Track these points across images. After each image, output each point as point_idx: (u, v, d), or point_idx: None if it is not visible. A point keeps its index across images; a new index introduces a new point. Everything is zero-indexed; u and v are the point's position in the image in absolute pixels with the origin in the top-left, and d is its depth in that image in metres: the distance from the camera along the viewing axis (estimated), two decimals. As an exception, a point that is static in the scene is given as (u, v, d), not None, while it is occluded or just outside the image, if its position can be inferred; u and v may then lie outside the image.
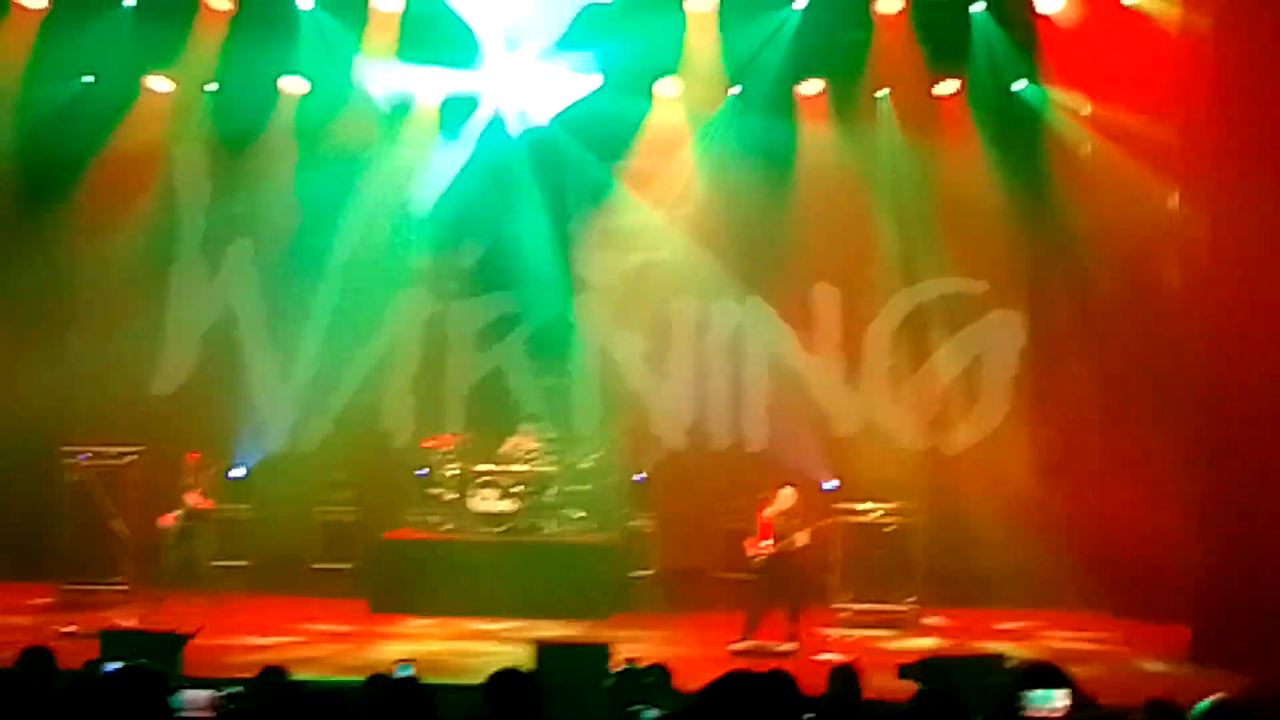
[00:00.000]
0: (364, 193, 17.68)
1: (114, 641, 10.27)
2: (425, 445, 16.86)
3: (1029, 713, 5.71)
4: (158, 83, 17.32)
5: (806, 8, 16.52)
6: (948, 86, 17.10)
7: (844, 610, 15.03)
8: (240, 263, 18.12)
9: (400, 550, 16.02)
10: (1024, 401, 17.22)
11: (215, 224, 18.08)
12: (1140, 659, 13.27)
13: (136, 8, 16.63)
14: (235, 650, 12.73)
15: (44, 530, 15.66)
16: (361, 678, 6.63)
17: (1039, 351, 17.22)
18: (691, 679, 7.09)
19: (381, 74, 17.21)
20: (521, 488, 16.09)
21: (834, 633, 14.45)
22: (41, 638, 8.14)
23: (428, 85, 17.42)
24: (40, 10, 16.46)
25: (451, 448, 16.60)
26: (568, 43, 16.87)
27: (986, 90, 16.93)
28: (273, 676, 7.43)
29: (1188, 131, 14.06)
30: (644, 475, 17.36)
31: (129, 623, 13.66)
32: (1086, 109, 16.21)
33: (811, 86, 17.35)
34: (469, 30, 16.87)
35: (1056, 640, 14.20)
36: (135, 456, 15.76)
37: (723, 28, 16.86)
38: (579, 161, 17.88)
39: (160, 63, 17.10)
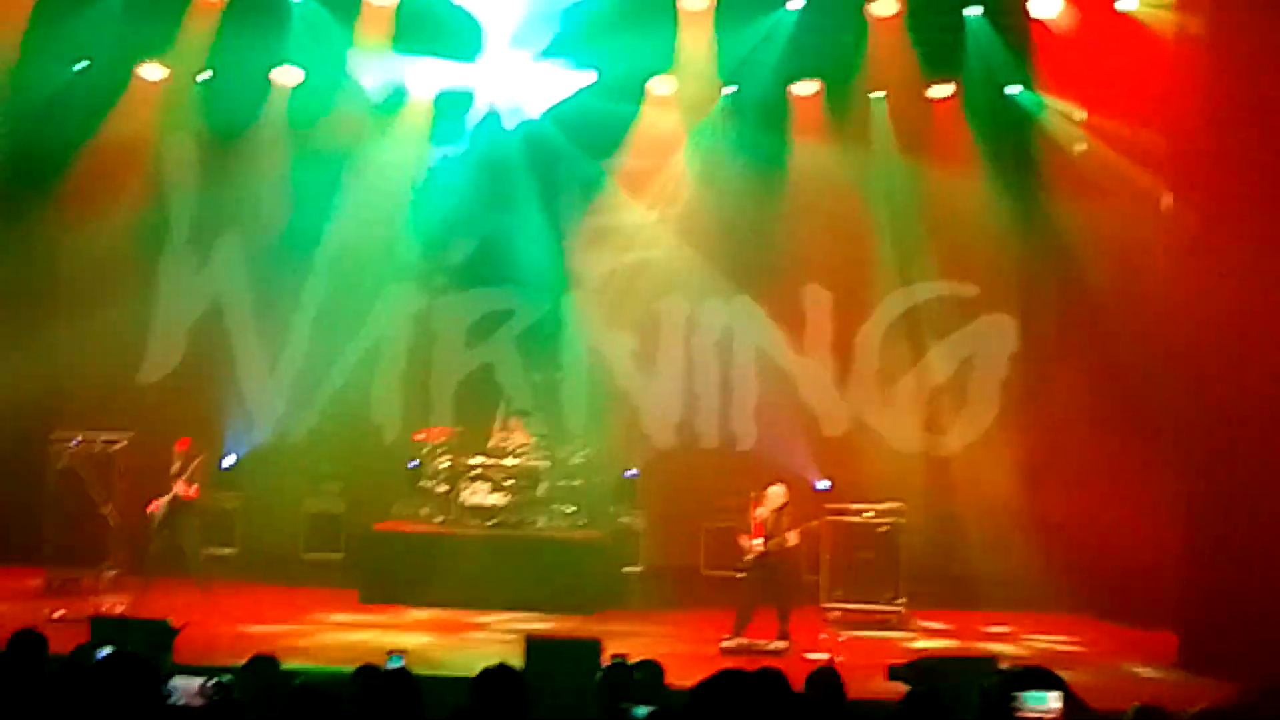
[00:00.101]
0: (354, 186, 17.66)
1: (103, 627, 10.25)
2: (417, 438, 16.84)
3: (1022, 714, 5.73)
4: (149, 71, 17.27)
5: (802, 9, 16.53)
6: (941, 90, 17.12)
7: (833, 610, 15.04)
8: (229, 254, 18.11)
9: (389, 542, 16.01)
10: (1014, 405, 17.26)
11: (205, 214, 18.08)
12: (1128, 664, 13.29)
13: (129, -5, 16.61)
14: (225, 638, 12.71)
15: (33, 516, 15.60)
16: (351, 668, 6.61)
17: (1029, 355, 17.27)
18: (682, 676, 7.09)
19: (374, 66, 17.19)
20: (512, 482, 16.08)
21: (824, 633, 14.44)
22: (30, 623, 8.08)
23: (420, 79, 17.41)
24: (32, -5, 16.42)
25: (443, 441, 16.59)
26: (561, 39, 16.86)
27: (980, 94, 16.95)
28: (262, 665, 7.41)
29: (1180, 137, 14.08)
30: (634, 472, 17.40)
31: (118, 609, 13.65)
32: (1080, 114, 16.24)
33: (805, 88, 17.35)
34: (462, 24, 16.86)
35: (1044, 643, 14.22)
36: (124, 443, 15.73)
37: (717, 27, 16.85)
38: (571, 159, 17.90)
39: (152, 51, 17.06)
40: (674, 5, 16.64)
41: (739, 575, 13.88)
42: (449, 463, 16.33)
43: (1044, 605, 15.44)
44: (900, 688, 7.44)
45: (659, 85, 17.34)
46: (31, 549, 15.51)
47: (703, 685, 4.21)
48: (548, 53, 17.06)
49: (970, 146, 17.05)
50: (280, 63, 17.32)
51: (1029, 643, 14.26)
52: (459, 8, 16.63)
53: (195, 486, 14.95)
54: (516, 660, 9.27)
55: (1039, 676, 6.75)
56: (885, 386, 17.63)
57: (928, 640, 14.39)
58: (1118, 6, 15.13)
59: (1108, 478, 15.28)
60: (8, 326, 16.90)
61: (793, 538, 13.75)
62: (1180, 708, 6.26)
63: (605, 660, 9.08)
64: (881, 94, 17.24)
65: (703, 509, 16.96)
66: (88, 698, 4.57)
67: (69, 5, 16.32)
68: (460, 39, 17.03)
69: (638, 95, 17.43)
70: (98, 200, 17.17)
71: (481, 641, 13.27)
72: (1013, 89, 16.93)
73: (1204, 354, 13.30)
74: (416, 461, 16.76)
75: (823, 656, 12.81)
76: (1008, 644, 14.02)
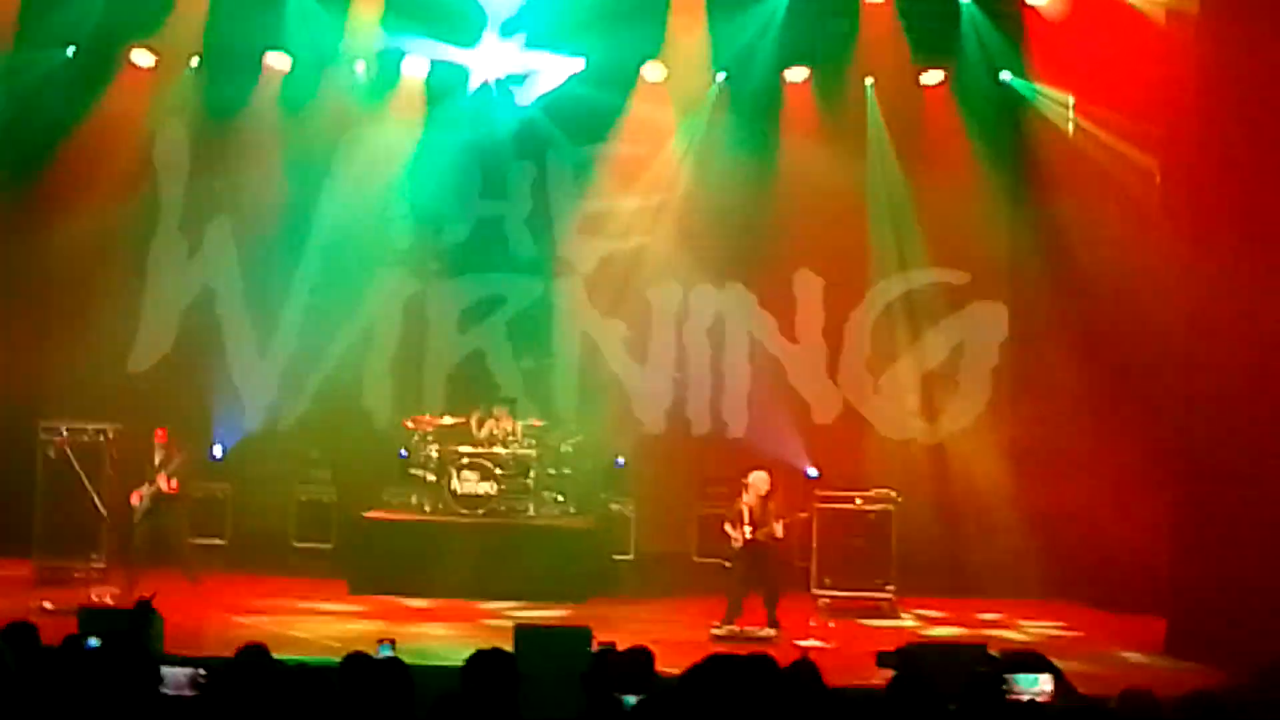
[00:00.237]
0: (346, 171, 17.63)
1: (92, 618, 10.23)
2: (407, 425, 16.80)
3: (1014, 696, 5.75)
4: (140, 56, 17.20)
5: (794, -5, 16.53)
6: (933, 76, 17.11)
7: (823, 597, 15.05)
8: (220, 240, 18.06)
9: (379, 530, 16.00)
10: (1004, 392, 17.27)
11: (195, 200, 18.01)
12: (1116, 650, 13.31)
13: (120, -22, 16.56)
14: (215, 628, 12.72)
15: (22, 506, 15.55)
16: (340, 657, 6.60)
17: (1020, 342, 17.27)
18: (672, 663, 7.10)
19: (366, 51, 17.16)
20: (502, 470, 16.07)
21: (814, 620, 14.46)
22: (18, 614, 8.07)
23: (413, 64, 17.37)
24: (23, -20, 16.35)
25: (432, 429, 16.57)
26: (553, 24, 16.83)
27: (972, 80, 16.94)
28: (252, 655, 7.39)
29: (1172, 122, 14.08)
30: (623, 460, 17.40)
31: (107, 599, 13.65)
32: (1071, 100, 16.23)
33: (797, 74, 17.33)
34: (456, 8, 16.84)
35: (1033, 630, 14.26)
36: (114, 433, 15.69)
37: (710, 13, 16.84)
38: (563, 145, 17.89)
39: (143, 35, 16.99)
40: (666, -11, 16.65)
41: (727, 565, 13.87)
42: (437, 451, 16.31)
43: (1033, 592, 15.49)
44: (888, 673, 7.44)
45: (651, 71, 17.29)
46: (20, 539, 15.47)
47: (692, 670, 4.22)
48: (540, 38, 17.04)
49: (961, 133, 17.03)
50: (272, 47, 17.26)
51: (1021, 629, 14.29)
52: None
53: (176, 481, 14.89)
54: (506, 648, 9.26)
55: (1030, 660, 6.77)
56: (876, 373, 17.63)
57: (918, 627, 14.43)
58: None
59: (1098, 464, 15.30)
60: (-4, 315, 16.88)
61: (780, 529, 13.74)
62: (1168, 693, 6.27)
63: (595, 648, 9.07)
64: (872, 80, 17.22)
65: (694, 496, 17.00)
66: (83, 686, 4.58)
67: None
68: (454, 23, 17.01)
69: (629, 82, 17.38)
70: (87, 186, 17.08)
71: (471, 629, 13.26)
72: (1004, 75, 16.91)
73: (1194, 341, 13.31)
74: (405, 452, 16.73)
75: (813, 643, 12.87)
76: (999, 630, 14.04)
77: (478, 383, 17.59)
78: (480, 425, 16.55)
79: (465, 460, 16.09)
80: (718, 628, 13.39)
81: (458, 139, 17.61)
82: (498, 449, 16.25)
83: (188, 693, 6.54)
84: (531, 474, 16.31)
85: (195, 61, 17.40)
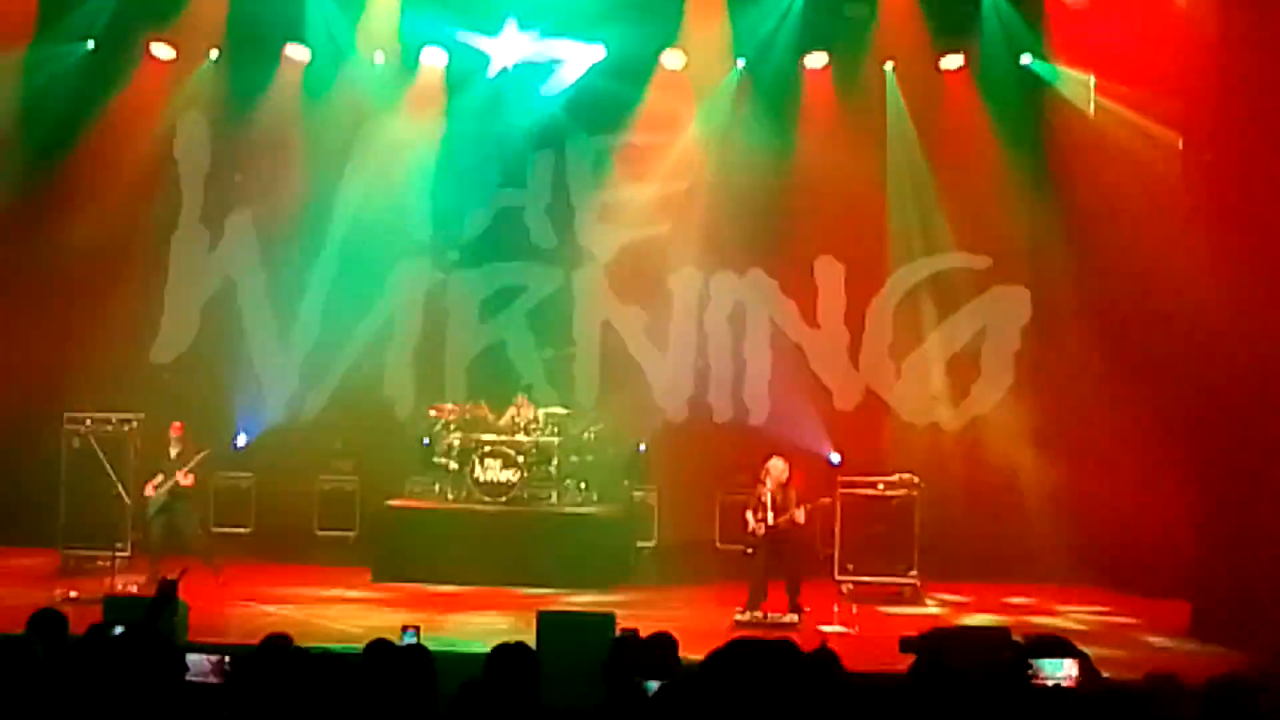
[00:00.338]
0: (366, 162, 17.65)
1: (117, 607, 10.29)
2: (431, 413, 16.80)
3: (1039, 681, 5.73)
4: (160, 49, 17.25)
5: (813, -20, 16.50)
6: (953, 61, 17.04)
7: (846, 583, 15.04)
8: (241, 232, 18.11)
9: (402, 518, 16.03)
10: (1026, 377, 17.21)
11: (216, 193, 18.07)
12: (1141, 634, 13.28)
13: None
14: (239, 617, 12.78)
15: (47, 497, 15.67)
16: (363, 645, 6.62)
17: (1042, 327, 17.20)
18: (696, 649, 7.09)
19: (386, 42, 17.18)
20: (524, 458, 16.09)
21: (837, 606, 14.45)
22: (45, 603, 8.12)
23: (432, 55, 17.38)
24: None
25: (454, 418, 16.59)
26: (572, 13, 16.82)
27: (993, 64, 16.87)
28: (277, 643, 7.42)
29: (1192, 105, 14.00)
30: (645, 447, 17.40)
31: (132, 588, 13.72)
32: (1092, 80, 16.15)
33: (816, 60, 17.29)
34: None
35: (1057, 614, 14.22)
36: (136, 424, 15.76)
37: (729, 0, 16.82)
38: (581, 134, 17.87)
39: (162, 28, 17.03)
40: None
41: (748, 552, 13.84)
42: (459, 439, 16.34)
43: (1057, 577, 15.45)
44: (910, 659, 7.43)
45: (670, 59, 17.26)
46: (46, 530, 15.60)
47: (715, 654, 4.21)
48: (559, 27, 17.03)
49: (982, 117, 16.96)
50: (291, 39, 17.29)
51: (1042, 613, 14.24)
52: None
53: (192, 476, 14.98)
54: (529, 635, 9.29)
55: (1056, 644, 6.74)
56: (898, 359, 17.60)
57: (944, 613, 14.41)
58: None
59: (1121, 449, 15.24)
60: (21, 307, 16.96)
61: (801, 515, 13.72)
62: (1193, 677, 6.25)
63: (618, 635, 9.08)
64: (892, 65, 17.18)
65: (716, 483, 16.96)
66: (110, 673, 4.59)
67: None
68: (474, 12, 17.01)
69: (649, 69, 17.35)
70: (108, 180, 17.13)
71: (494, 617, 13.29)
72: (1025, 59, 16.83)
73: (1217, 325, 13.24)
74: (428, 440, 16.76)
75: (836, 629, 12.87)
76: (1020, 615, 14.01)
77: (499, 372, 17.60)
78: (513, 403, 16.55)
79: (488, 448, 16.11)
80: (741, 614, 13.39)
81: (477, 129, 17.61)
82: (520, 437, 16.27)
83: (213, 680, 6.57)
84: (554, 462, 16.33)
85: (215, 54, 17.44)
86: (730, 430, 17.55)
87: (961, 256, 17.40)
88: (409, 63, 17.49)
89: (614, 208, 18.01)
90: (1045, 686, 5.99)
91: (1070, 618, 14.02)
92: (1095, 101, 16.14)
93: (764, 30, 16.98)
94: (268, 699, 5.54)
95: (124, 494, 15.22)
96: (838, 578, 15.09)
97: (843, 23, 17.09)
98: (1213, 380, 13.35)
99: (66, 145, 17.12)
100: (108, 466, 15.24)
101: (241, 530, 16.99)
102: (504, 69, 17.36)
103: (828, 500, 14.67)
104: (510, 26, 17.04)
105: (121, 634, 4.64)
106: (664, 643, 7.45)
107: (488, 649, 6.14)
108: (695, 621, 12.32)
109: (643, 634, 7.64)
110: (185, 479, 14.96)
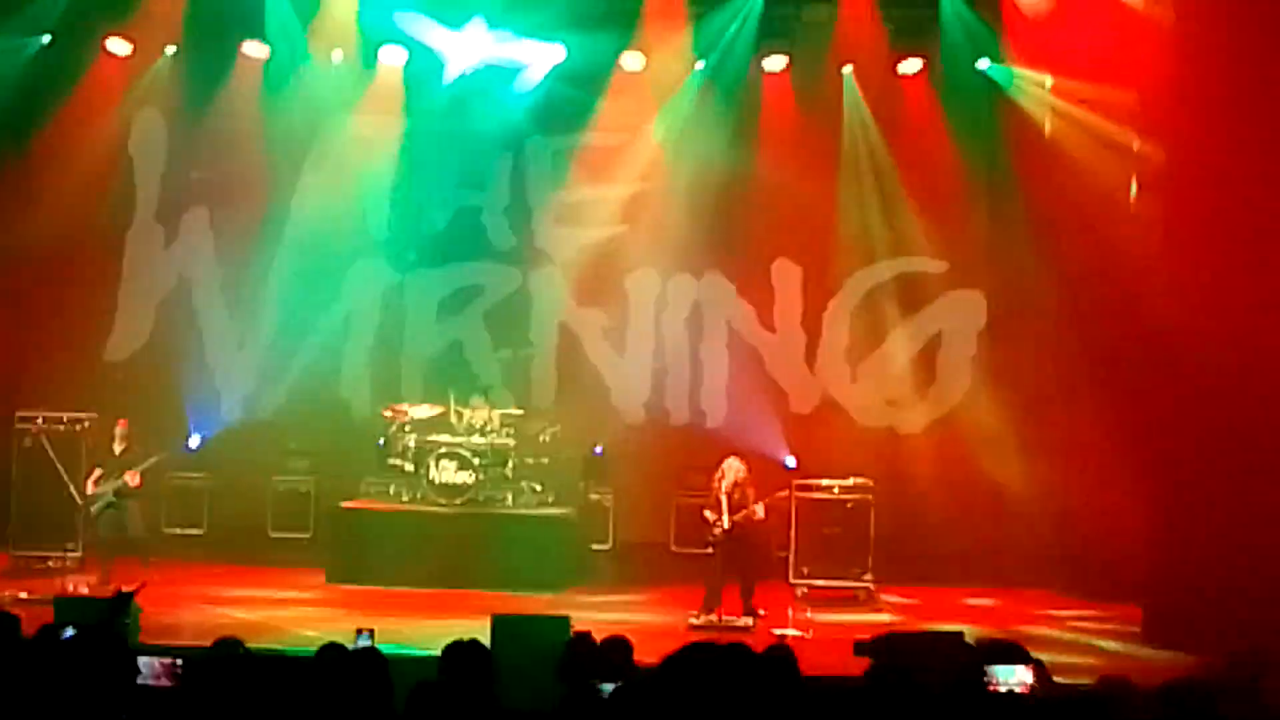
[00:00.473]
0: (324, 161, 17.56)
1: (68, 607, 10.18)
2: (386, 415, 16.73)
3: (993, 687, 5.74)
4: (116, 44, 17.10)
5: (772, -17, 16.52)
6: (912, 64, 17.10)
7: (801, 586, 15.07)
8: (197, 229, 17.98)
9: (357, 520, 15.95)
10: (982, 381, 17.26)
11: (172, 190, 17.94)
12: (1094, 638, 13.35)
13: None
14: (191, 618, 12.67)
15: (-4, 496, 15.54)
16: (315, 647, 6.57)
17: (998, 331, 17.27)
18: (651, 652, 7.08)
19: (345, 40, 17.11)
20: (480, 460, 16.04)
21: (792, 609, 14.46)
22: (-6, 604, 8.04)
23: (391, 54, 17.31)
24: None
25: (409, 419, 16.51)
26: (532, 13, 16.78)
27: (952, 69, 16.94)
28: (228, 646, 7.36)
29: (1148, 106, 14.09)
30: (601, 449, 17.39)
31: (83, 589, 13.59)
32: (1049, 81, 16.24)
33: (775, 62, 17.32)
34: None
35: (1011, 618, 14.26)
36: (88, 424, 15.62)
37: (688, 2, 16.83)
38: (541, 134, 17.84)
39: (119, 23, 16.88)
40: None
41: (708, 551, 13.85)
42: (414, 441, 16.27)
43: (1011, 580, 15.53)
44: (865, 662, 7.44)
45: (629, 60, 17.25)
46: (-4, 529, 15.45)
47: (670, 658, 4.21)
48: (519, 27, 16.99)
49: (940, 121, 17.04)
50: (250, 36, 17.18)
51: (995, 617, 14.28)
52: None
53: (140, 477, 14.82)
54: (484, 638, 9.24)
55: (1009, 650, 6.76)
56: (855, 362, 17.65)
57: (895, 615, 14.44)
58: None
59: (1076, 453, 15.35)
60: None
61: (760, 510, 13.74)
62: (1145, 681, 6.28)
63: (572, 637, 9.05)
64: (850, 68, 17.22)
65: (672, 485, 16.98)
66: (62, 675, 4.55)
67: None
68: (434, 8, 16.95)
69: (608, 71, 17.34)
70: (63, 175, 16.96)
71: (449, 619, 13.22)
72: (982, 63, 16.91)
73: (1173, 330, 13.31)
74: (383, 441, 16.69)
75: (791, 632, 12.88)
76: (975, 620, 14.04)
77: (456, 372, 17.53)
78: (468, 404, 16.50)
79: (443, 449, 16.05)
80: (696, 617, 13.38)
81: (436, 129, 17.56)
82: (476, 438, 16.23)
83: (165, 683, 6.50)
84: (510, 463, 16.28)
85: (172, 50, 17.31)
86: (687, 433, 17.55)
87: (918, 260, 17.47)
88: (368, 61, 17.41)
89: (572, 209, 17.98)
90: (999, 693, 6.00)
91: (1024, 621, 14.07)
92: (1052, 104, 16.23)
93: (723, 33, 16.99)
94: (219, 703, 5.49)
95: (75, 494, 15.09)
96: (793, 581, 15.12)
97: (802, 25, 17.14)
98: (1168, 385, 13.43)
99: (20, 140, 16.95)
100: (59, 466, 15.10)
101: (195, 531, 16.88)
102: (463, 70, 17.29)
103: (784, 493, 14.68)
104: (470, 26, 16.95)
105: (75, 635, 4.59)
106: (619, 646, 7.45)
107: (441, 651, 6.10)
108: (650, 624, 12.30)
109: (597, 637, 7.63)
110: (133, 480, 14.80)
